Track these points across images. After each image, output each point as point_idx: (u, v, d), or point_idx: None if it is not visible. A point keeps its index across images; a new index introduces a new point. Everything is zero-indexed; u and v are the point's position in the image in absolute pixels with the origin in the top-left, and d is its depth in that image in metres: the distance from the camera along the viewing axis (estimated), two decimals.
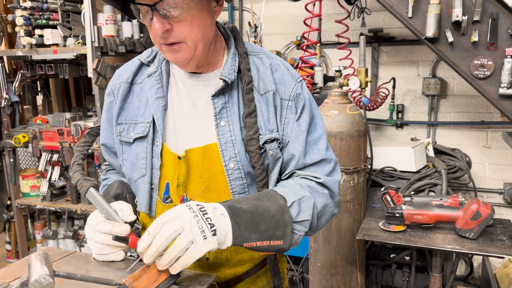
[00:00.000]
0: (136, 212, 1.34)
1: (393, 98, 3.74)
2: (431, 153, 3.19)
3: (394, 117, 3.83)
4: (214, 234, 0.98)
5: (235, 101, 1.23)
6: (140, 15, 1.11)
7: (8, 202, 3.94)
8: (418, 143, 3.03)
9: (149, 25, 1.11)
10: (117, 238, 1.10)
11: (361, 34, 3.74)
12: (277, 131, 1.24)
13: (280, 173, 1.29)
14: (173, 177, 1.25)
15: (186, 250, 0.95)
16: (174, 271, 0.98)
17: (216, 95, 1.21)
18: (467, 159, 3.34)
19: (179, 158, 1.23)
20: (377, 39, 3.73)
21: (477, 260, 3.71)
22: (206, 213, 0.99)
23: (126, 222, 1.13)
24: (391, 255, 2.83)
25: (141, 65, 1.33)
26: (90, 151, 3.21)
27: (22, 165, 4.10)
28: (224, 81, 1.20)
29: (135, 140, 1.28)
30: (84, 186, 1.19)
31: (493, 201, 3.68)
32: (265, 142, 1.22)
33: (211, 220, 0.98)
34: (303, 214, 1.15)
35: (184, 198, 1.25)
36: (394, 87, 3.69)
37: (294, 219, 1.13)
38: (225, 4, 1.44)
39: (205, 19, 1.13)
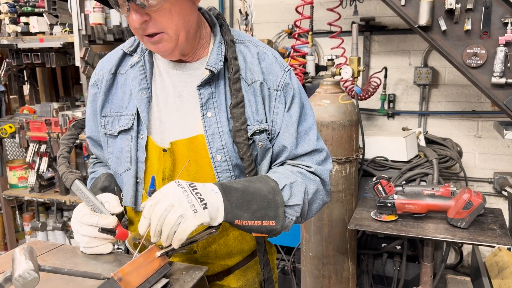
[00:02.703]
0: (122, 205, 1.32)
1: (384, 87, 3.73)
2: (423, 142, 3.19)
3: (386, 106, 3.82)
4: (205, 208, 0.99)
5: (221, 91, 1.20)
6: (118, 5, 1.06)
7: None
8: (409, 132, 3.02)
9: (127, 16, 1.07)
10: (104, 230, 1.08)
11: (353, 22, 3.72)
12: (266, 122, 1.21)
13: (270, 164, 1.26)
14: (159, 170, 1.22)
15: (179, 225, 0.96)
16: (175, 245, 0.99)
17: (202, 85, 1.18)
18: (458, 149, 3.34)
19: (164, 150, 1.20)
20: (369, 28, 3.70)
21: (466, 249, 3.74)
22: (196, 189, 1.00)
23: (112, 214, 1.11)
24: (382, 245, 2.84)
25: (124, 54, 1.28)
26: (78, 141, 3.18)
27: (9, 156, 4.03)
28: (210, 71, 1.17)
29: (119, 133, 1.25)
30: (69, 178, 1.16)
31: (483, 190, 3.70)
32: (254, 133, 1.20)
33: (201, 195, 0.99)
34: (294, 198, 1.13)
35: None
36: (385, 76, 3.68)
37: (285, 203, 1.12)
38: None
39: (185, 5, 1.09)
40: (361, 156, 2.56)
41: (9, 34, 3.31)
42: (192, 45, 1.19)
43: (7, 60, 3.52)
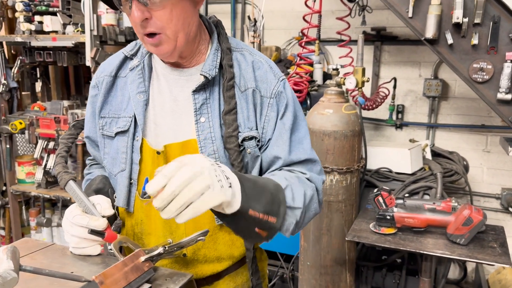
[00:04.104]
0: (114, 207, 1.33)
1: (393, 98, 3.70)
2: (429, 155, 3.16)
3: (394, 117, 3.79)
4: (230, 186, 0.91)
5: (216, 98, 1.21)
6: (121, 3, 1.09)
7: (4, 188, 3.94)
8: (415, 144, 2.99)
9: (129, 14, 1.08)
10: (93, 232, 1.09)
11: (364, 32, 3.71)
12: (256, 129, 1.22)
13: (261, 172, 1.26)
14: (152, 172, 1.23)
15: (201, 196, 0.86)
16: (181, 219, 0.87)
17: (196, 90, 1.20)
18: (465, 163, 3.30)
19: (158, 153, 1.21)
20: (380, 37, 3.69)
21: (471, 265, 3.68)
22: (220, 166, 0.93)
23: (104, 216, 1.12)
24: (383, 257, 2.81)
25: (125, 58, 1.31)
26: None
27: (20, 151, 4.10)
28: (205, 77, 1.18)
29: (116, 134, 1.27)
30: (64, 178, 1.18)
31: (490, 206, 3.65)
32: (244, 140, 1.20)
33: (226, 174, 0.93)
34: (296, 201, 1.12)
35: None
36: (395, 87, 3.66)
37: (288, 204, 1.10)
38: None
39: (186, 7, 1.11)
40: (363, 167, 2.54)
41: (23, 32, 3.37)
42: (190, 49, 1.21)
43: (21, 57, 3.58)
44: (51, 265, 1.16)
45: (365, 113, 3.77)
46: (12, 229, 3.88)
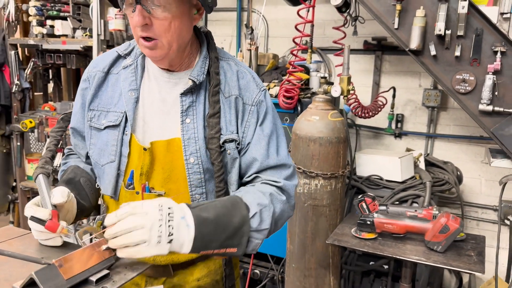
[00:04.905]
0: (95, 192, 1.43)
1: (392, 107, 3.74)
2: (422, 164, 3.19)
3: (393, 126, 3.82)
4: (169, 242, 1.04)
5: (201, 101, 1.32)
6: (124, 4, 1.18)
7: (14, 184, 4.11)
8: (406, 153, 3.03)
9: (131, 16, 1.18)
10: (34, 219, 1.14)
11: (365, 41, 3.77)
12: (237, 133, 1.33)
13: (240, 174, 1.36)
14: (137, 166, 1.33)
15: (136, 245, 1.01)
16: (120, 254, 1.04)
17: (184, 93, 1.30)
18: (458, 173, 3.32)
19: (145, 149, 1.31)
20: (381, 47, 3.73)
21: (467, 276, 3.67)
22: (172, 220, 1.05)
23: (54, 205, 1.19)
24: (370, 263, 2.85)
25: (118, 56, 1.40)
26: None
27: (32, 149, 4.27)
28: (193, 81, 1.29)
29: (106, 127, 1.36)
30: (35, 172, 1.27)
31: (487, 217, 3.64)
32: (225, 142, 1.31)
33: (172, 229, 1.04)
34: (263, 223, 1.22)
35: (145, 186, 1.34)
36: (394, 96, 3.69)
37: (255, 229, 1.20)
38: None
39: (184, 22, 1.22)
40: (348, 173, 2.60)
41: (36, 35, 3.55)
42: (180, 56, 1.31)
43: (33, 59, 3.76)
44: (26, 251, 1.26)
45: (365, 121, 3.82)
46: (20, 223, 4.05)
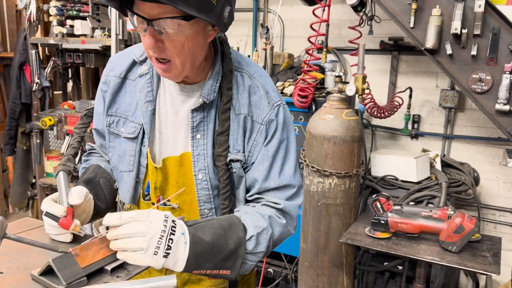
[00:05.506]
0: (113, 194, 1.44)
1: (409, 107, 3.71)
2: (438, 165, 3.16)
3: (410, 127, 3.79)
4: (165, 256, 1.03)
5: (212, 118, 1.29)
6: (136, 23, 1.12)
7: (33, 181, 4.20)
8: (422, 154, 3.01)
9: (142, 35, 1.11)
10: (48, 215, 1.16)
11: (382, 41, 3.76)
12: (243, 152, 1.30)
13: (246, 191, 1.35)
14: (152, 181, 1.35)
15: (133, 251, 1.01)
16: (119, 256, 1.05)
17: (195, 109, 1.27)
18: (475, 175, 3.27)
19: (156, 168, 1.32)
20: (398, 47, 3.71)
21: (483, 278, 3.62)
22: (174, 234, 1.04)
23: (71, 205, 1.19)
24: (385, 263, 2.84)
25: (134, 62, 1.35)
26: None
27: (51, 147, 4.36)
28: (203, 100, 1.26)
29: (125, 137, 1.36)
30: (57, 169, 1.29)
31: (505, 220, 3.59)
32: (231, 161, 1.29)
33: (171, 243, 1.03)
34: (259, 246, 1.22)
35: (160, 199, 1.36)
36: (410, 96, 3.67)
37: (250, 251, 1.20)
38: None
39: (198, 41, 1.15)
40: (362, 172, 2.59)
41: (56, 35, 3.62)
42: (195, 73, 1.27)
43: (53, 58, 3.84)
44: (44, 240, 1.29)
45: (380, 122, 3.80)
46: (39, 219, 4.12)
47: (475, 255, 2.09)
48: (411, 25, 2.37)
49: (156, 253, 1.01)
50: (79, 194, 1.22)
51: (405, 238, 2.23)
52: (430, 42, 2.30)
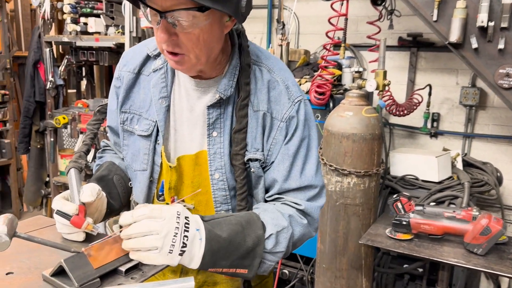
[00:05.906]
0: (127, 192, 1.39)
1: (428, 105, 3.62)
2: (460, 165, 3.06)
3: (429, 125, 3.69)
4: (180, 254, 0.99)
5: (229, 114, 1.22)
6: (149, 16, 1.07)
7: (47, 179, 4.20)
8: (443, 153, 2.92)
9: (156, 28, 1.06)
10: (59, 213, 1.11)
11: (400, 38, 3.67)
12: (262, 151, 1.23)
13: (265, 191, 1.28)
14: (166, 180, 1.29)
15: (148, 250, 0.97)
16: (132, 256, 1.01)
17: (211, 106, 1.21)
18: (498, 174, 3.17)
19: (170, 167, 1.26)
20: (416, 43, 3.62)
21: (506, 282, 3.51)
22: (188, 231, 0.99)
23: (83, 203, 1.14)
24: (404, 266, 2.76)
25: (148, 57, 1.30)
26: None
27: (65, 145, 4.35)
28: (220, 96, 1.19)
29: (139, 135, 1.31)
30: (68, 166, 1.25)
31: None
32: (249, 160, 1.22)
33: (186, 240, 0.99)
34: (278, 246, 1.16)
35: (174, 199, 1.30)
36: (430, 94, 3.57)
37: (269, 250, 1.14)
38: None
39: (214, 33, 1.09)
40: (382, 171, 2.51)
41: (70, 33, 3.60)
42: (210, 66, 1.20)
43: (67, 56, 3.83)
44: (55, 240, 1.25)
45: (399, 120, 3.71)
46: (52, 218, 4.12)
47: (502, 258, 2.00)
48: (434, 18, 2.28)
49: (171, 251, 0.97)
50: (91, 192, 1.17)
51: (427, 240, 2.15)
52: (454, 35, 2.21)
